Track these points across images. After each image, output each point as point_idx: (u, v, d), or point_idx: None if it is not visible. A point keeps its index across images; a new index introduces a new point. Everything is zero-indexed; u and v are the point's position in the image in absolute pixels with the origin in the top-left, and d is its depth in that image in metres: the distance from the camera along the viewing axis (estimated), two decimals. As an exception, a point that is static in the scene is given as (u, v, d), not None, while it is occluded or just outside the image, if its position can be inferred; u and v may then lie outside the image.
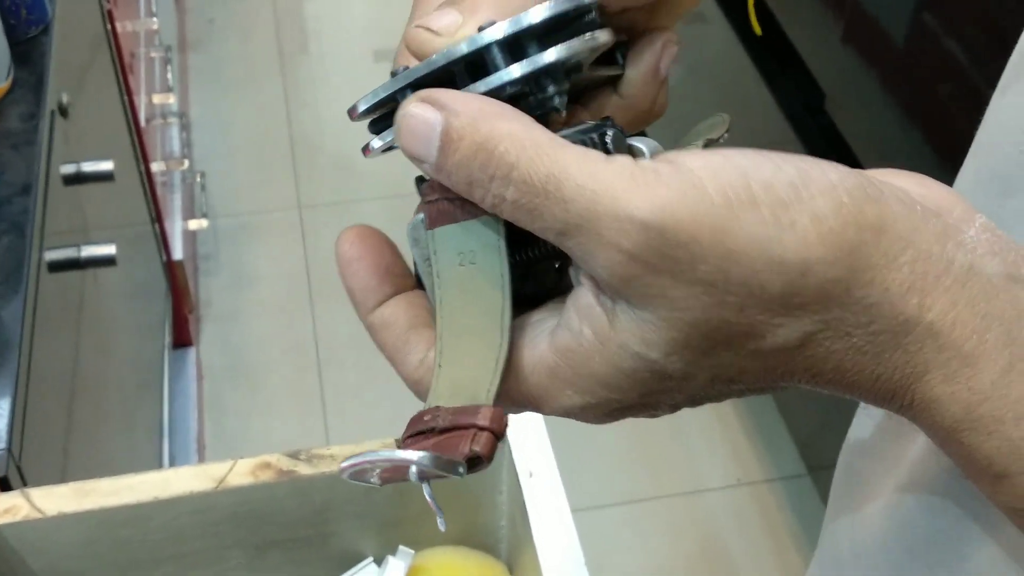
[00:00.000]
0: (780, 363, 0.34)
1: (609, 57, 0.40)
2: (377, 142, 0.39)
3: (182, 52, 2.60)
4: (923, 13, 1.23)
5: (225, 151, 2.46)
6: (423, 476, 0.35)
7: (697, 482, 1.91)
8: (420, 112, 0.35)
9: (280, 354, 2.07)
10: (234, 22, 2.79)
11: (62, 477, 1.06)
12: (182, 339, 1.99)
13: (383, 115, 0.39)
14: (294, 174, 2.44)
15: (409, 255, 0.40)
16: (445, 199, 0.36)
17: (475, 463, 0.35)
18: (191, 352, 2.00)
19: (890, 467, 0.49)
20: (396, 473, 0.35)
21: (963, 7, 1.15)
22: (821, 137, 1.52)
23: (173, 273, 1.87)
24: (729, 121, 0.42)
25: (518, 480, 0.75)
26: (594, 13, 0.38)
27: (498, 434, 0.35)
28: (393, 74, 0.37)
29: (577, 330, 0.35)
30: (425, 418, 0.36)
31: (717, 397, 0.36)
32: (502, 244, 0.36)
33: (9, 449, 0.86)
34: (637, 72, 0.41)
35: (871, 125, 1.40)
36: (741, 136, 1.81)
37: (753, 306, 0.33)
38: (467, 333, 0.37)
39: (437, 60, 0.36)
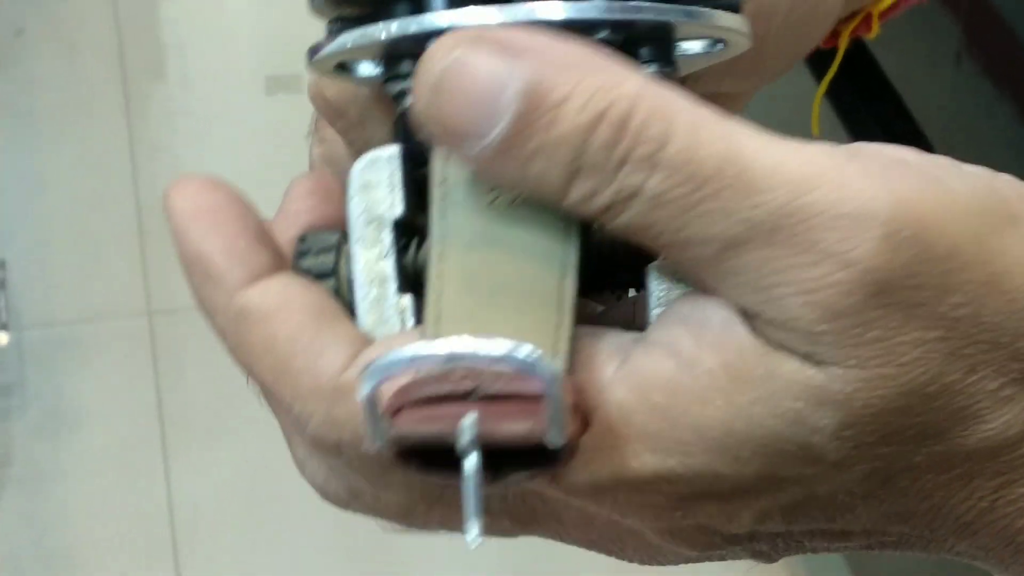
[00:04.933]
0: (960, 485, 0.31)
1: None
2: (333, 47, 0.35)
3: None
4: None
5: (38, 228, 2.22)
6: (489, 439, 0.28)
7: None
8: (482, 61, 0.30)
9: (119, 529, 1.87)
10: (54, 33, 2.47)
11: None
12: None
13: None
14: (142, 263, 2.14)
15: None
16: None
17: (566, 455, 0.30)
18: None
19: None
20: (440, 420, 0.29)
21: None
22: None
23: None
24: None
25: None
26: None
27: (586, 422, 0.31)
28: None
29: (691, 358, 0.31)
30: (454, 376, 0.30)
31: (847, 524, 0.32)
32: None
33: None
34: None
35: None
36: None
37: (990, 364, 0.30)
38: (491, 305, 0.32)
39: None
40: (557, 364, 0.30)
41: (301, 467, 0.36)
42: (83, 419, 1.97)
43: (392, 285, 0.34)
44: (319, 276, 0.34)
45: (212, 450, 1.87)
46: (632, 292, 0.37)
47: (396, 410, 0.29)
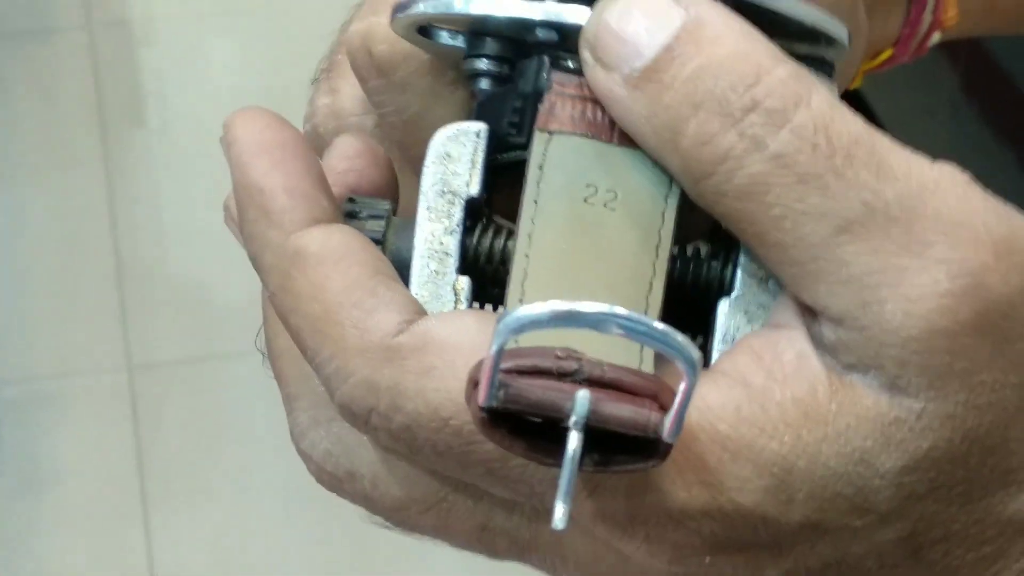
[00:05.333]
0: (985, 565, 0.31)
1: None
2: (430, 5, 0.35)
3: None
4: None
5: (14, 280, 2.21)
6: (601, 420, 0.28)
7: None
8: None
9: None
10: (31, 79, 2.46)
11: None
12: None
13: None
14: (121, 315, 2.12)
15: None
16: (593, 102, 0.33)
17: (665, 453, 0.30)
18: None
19: None
20: (553, 390, 0.28)
21: None
22: None
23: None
24: None
25: None
26: None
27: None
28: None
29: (761, 390, 0.30)
30: (558, 354, 0.29)
31: None
32: (673, 197, 0.33)
33: None
34: None
35: None
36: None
37: None
38: (577, 298, 0.30)
39: None
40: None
41: (300, 437, 0.35)
42: (60, 478, 1.95)
43: (453, 262, 0.33)
44: None
45: (194, 510, 1.85)
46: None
47: (506, 372, 0.29)
